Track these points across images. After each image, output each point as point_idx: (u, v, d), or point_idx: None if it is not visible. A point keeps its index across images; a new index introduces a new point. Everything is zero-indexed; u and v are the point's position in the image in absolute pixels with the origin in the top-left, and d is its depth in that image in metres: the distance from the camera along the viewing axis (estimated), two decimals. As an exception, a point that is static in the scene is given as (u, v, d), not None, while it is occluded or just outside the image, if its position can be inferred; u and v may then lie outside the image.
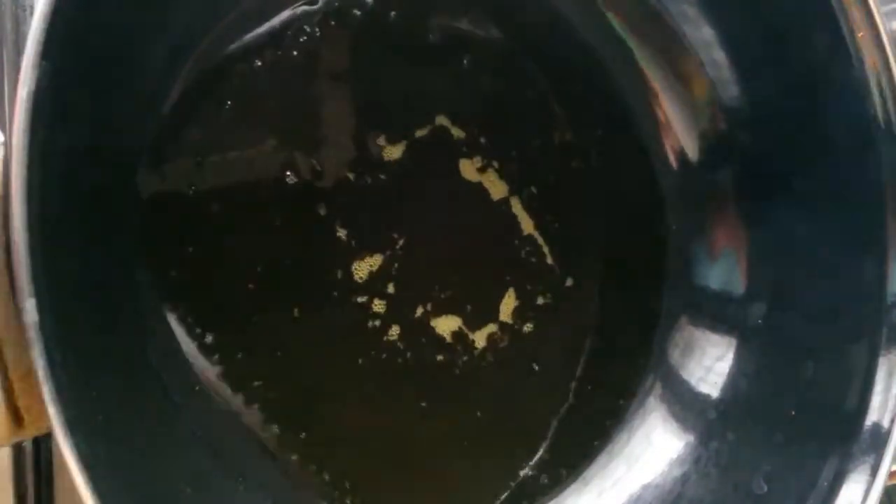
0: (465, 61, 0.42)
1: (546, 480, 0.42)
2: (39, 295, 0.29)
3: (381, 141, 0.41)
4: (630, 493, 0.40)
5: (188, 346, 0.38)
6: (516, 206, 0.42)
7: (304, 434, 0.39)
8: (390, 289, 0.41)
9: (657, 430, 0.40)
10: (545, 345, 0.43)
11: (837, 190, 0.36)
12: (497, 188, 0.42)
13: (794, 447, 0.35)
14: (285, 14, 0.40)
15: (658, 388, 0.43)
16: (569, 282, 0.44)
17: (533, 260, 0.43)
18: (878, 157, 0.34)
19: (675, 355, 0.43)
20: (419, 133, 0.42)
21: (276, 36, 0.40)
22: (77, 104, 0.32)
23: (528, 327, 0.43)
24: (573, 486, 0.41)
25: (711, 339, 0.42)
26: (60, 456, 0.30)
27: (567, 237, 0.43)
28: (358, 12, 0.41)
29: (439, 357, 0.41)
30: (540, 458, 0.42)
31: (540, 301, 0.43)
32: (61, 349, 0.30)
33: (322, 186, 0.40)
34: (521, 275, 0.43)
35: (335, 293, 0.40)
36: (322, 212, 0.40)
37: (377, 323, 0.41)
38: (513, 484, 0.41)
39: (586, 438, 0.43)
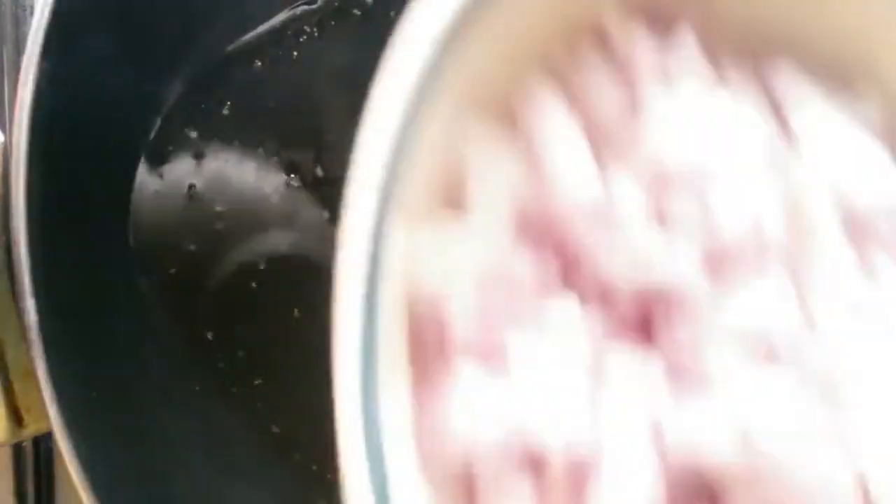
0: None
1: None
2: (39, 295, 0.30)
3: (381, 141, 0.41)
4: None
5: (188, 345, 0.38)
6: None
7: (305, 433, 0.39)
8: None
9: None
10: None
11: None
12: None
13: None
14: (285, 14, 0.40)
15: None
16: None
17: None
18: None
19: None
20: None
21: (276, 36, 0.40)
22: (77, 104, 0.32)
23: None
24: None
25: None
26: (60, 456, 0.30)
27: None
28: (358, 12, 0.41)
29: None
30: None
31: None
32: (61, 349, 0.30)
33: (322, 186, 0.40)
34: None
35: (336, 292, 0.40)
36: (322, 212, 0.40)
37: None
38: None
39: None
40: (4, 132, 0.31)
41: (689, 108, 0.23)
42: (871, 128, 0.26)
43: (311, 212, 0.40)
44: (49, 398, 0.30)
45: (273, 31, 0.40)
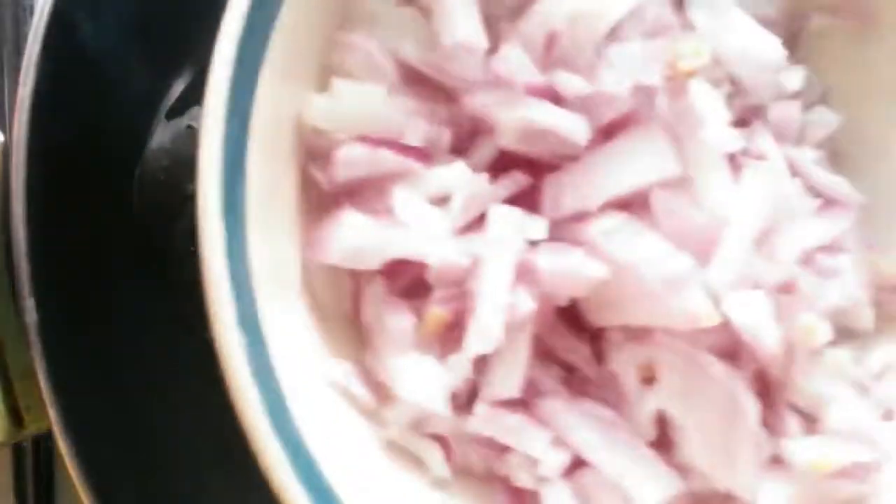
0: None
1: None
2: (39, 295, 0.30)
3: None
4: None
5: (189, 344, 0.38)
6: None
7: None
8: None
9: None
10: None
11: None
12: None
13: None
14: (285, 14, 0.40)
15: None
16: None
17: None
18: None
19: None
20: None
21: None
22: (77, 104, 0.32)
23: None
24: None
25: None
26: (60, 456, 0.30)
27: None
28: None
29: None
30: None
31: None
32: (61, 349, 0.30)
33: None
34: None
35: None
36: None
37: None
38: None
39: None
40: (4, 132, 0.31)
41: None
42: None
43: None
44: (49, 398, 0.30)
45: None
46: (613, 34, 0.27)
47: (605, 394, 0.28)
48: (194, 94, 0.39)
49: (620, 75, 0.26)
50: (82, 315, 0.32)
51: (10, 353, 0.31)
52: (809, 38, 0.32)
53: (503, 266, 0.26)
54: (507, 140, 0.27)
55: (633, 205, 0.27)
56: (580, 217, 0.27)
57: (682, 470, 0.28)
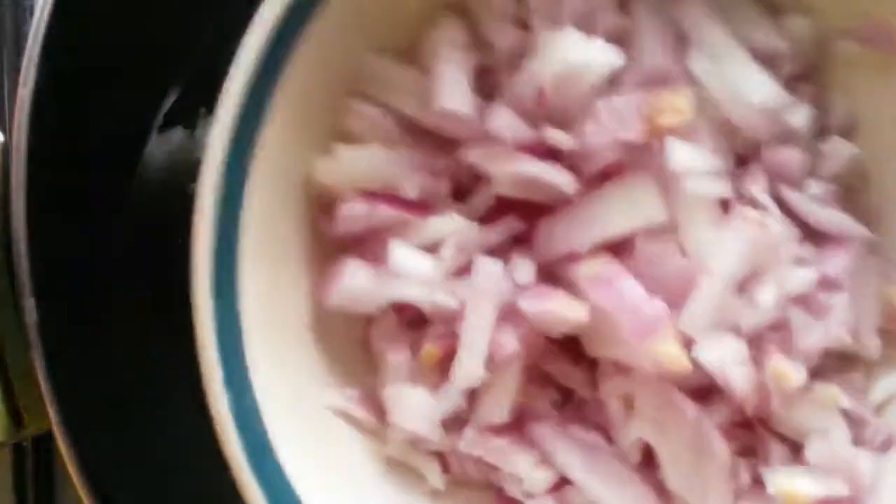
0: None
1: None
2: (39, 295, 0.30)
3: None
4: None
5: (189, 344, 0.38)
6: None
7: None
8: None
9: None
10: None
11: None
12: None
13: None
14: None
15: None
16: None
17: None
18: None
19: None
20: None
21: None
22: (77, 104, 0.32)
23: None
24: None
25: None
26: (60, 456, 0.30)
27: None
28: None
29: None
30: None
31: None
32: (61, 349, 0.30)
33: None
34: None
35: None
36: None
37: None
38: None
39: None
40: (4, 132, 0.31)
41: (572, 50, 0.28)
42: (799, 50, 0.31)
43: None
44: (49, 398, 0.30)
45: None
46: (611, 83, 0.29)
47: (598, 417, 0.30)
48: (194, 95, 0.39)
49: (604, 129, 0.28)
50: (82, 315, 0.32)
51: (10, 353, 0.31)
52: (836, 67, 0.32)
53: (484, 312, 0.28)
54: (502, 189, 0.29)
55: (620, 248, 0.29)
56: (568, 259, 0.29)
57: (665, 492, 0.30)
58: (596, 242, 0.28)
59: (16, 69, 0.34)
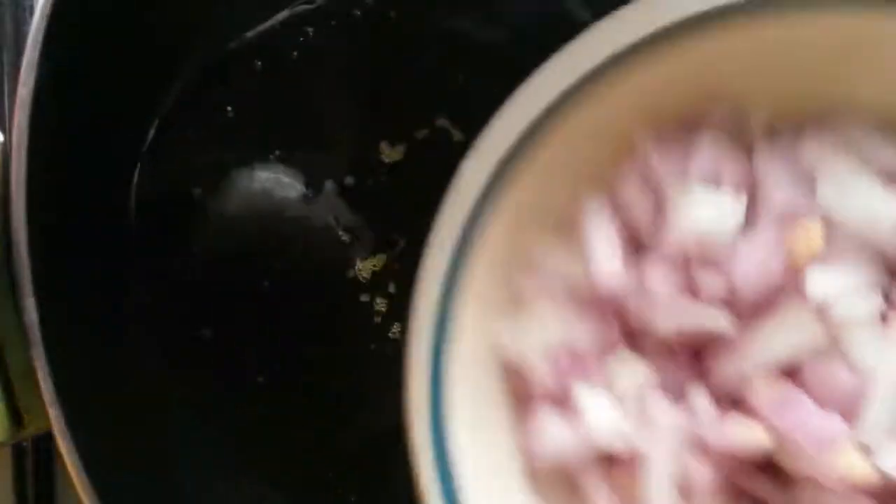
0: (465, 61, 0.42)
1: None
2: (39, 295, 0.30)
3: (382, 143, 0.41)
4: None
5: (190, 344, 0.38)
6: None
7: (307, 429, 0.39)
8: (391, 288, 0.41)
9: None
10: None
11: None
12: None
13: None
14: (285, 14, 0.40)
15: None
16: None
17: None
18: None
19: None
20: (419, 135, 0.41)
21: (276, 35, 0.40)
22: (77, 104, 0.32)
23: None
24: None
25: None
26: (60, 456, 0.30)
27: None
28: (358, 12, 0.41)
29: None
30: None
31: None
32: (61, 349, 0.30)
33: (322, 188, 0.40)
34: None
35: (340, 292, 0.40)
36: (323, 212, 0.40)
37: (379, 320, 0.41)
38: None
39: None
40: (4, 132, 0.31)
41: (703, 208, 0.30)
42: None
43: (311, 210, 0.40)
44: (49, 398, 0.30)
45: (273, 31, 0.40)
46: (748, 224, 0.30)
47: None
48: (194, 94, 0.39)
49: (749, 269, 0.30)
50: (82, 315, 0.32)
51: (10, 353, 0.31)
52: None
53: (668, 450, 0.30)
54: (666, 334, 0.31)
55: (789, 369, 0.30)
56: (741, 386, 0.30)
57: None
58: (765, 369, 0.30)
59: (16, 69, 0.34)
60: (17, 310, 0.30)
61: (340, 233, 0.40)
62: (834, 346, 0.30)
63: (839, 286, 0.30)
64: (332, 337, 0.40)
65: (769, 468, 0.31)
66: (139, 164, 0.37)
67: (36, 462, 0.40)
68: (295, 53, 0.40)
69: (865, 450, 0.29)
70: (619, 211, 0.33)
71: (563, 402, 0.32)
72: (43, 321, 0.30)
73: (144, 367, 0.36)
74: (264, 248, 0.39)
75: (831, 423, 0.29)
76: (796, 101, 0.32)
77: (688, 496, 0.30)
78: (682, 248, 0.31)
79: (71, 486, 0.30)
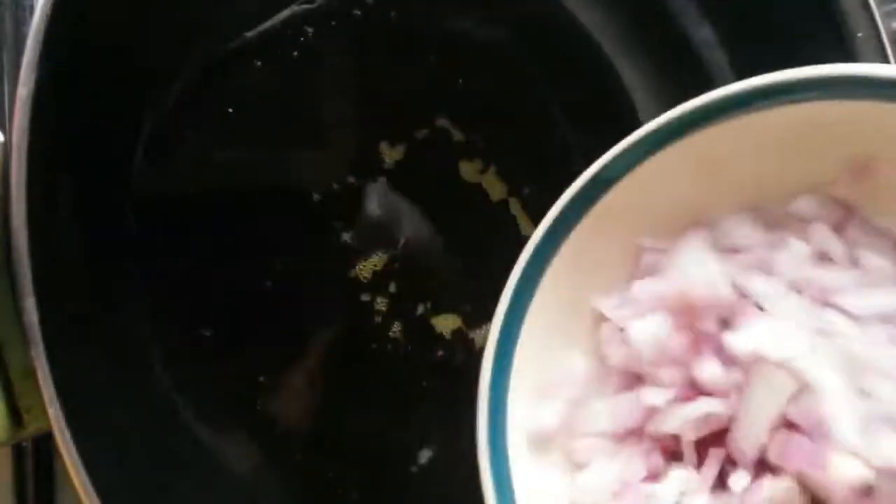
0: (465, 61, 0.42)
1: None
2: (39, 295, 0.30)
3: (382, 143, 0.41)
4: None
5: (190, 344, 0.38)
6: (515, 207, 0.42)
7: (308, 429, 0.39)
8: (392, 288, 0.41)
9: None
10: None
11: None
12: (496, 189, 0.43)
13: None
14: (285, 13, 0.40)
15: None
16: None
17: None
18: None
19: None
20: (419, 135, 0.42)
21: (276, 35, 0.40)
22: (76, 104, 0.32)
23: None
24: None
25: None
26: (60, 456, 0.30)
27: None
28: (358, 12, 0.41)
29: (440, 353, 0.41)
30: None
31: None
32: (61, 349, 0.30)
33: (322, 187, 0.40)
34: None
35: (341, 292, 0.40)
36: (324, 212, 0.40)
37: (380, 319, 0.41)
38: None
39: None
40: (4, 132, 0.31)
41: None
42: None
43: (311, 210, 0.40)
44: (49, 398, 0.30)
45: (273, 31, 0.40)
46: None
47: None
48: (194, 94, 0.39)
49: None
50: (82, 315, 0.32)
51: (10, 353, 0.31)
52: None
53: None
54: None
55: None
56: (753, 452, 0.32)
57: None
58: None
59: (16, 69, 0.34)
60: (17, 310, 0.30)
61: (341, 233, 0.40)
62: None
63: (759, 338, 0.31)
64: (333, 336, 0.40)
65: None
66: (139, 165, 0.37)
67: (36, 462, 0.40)
68: (295, 53, 0.40)
69: (853, 453, 0.30)
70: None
71: None
72: (43, 321, 0.29)
73: (144, 367, 0.36)
74: (265, 247, 0.39)
75: (817, 446, 0.30)
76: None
77: None
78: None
79: (71, 486, 0.30)
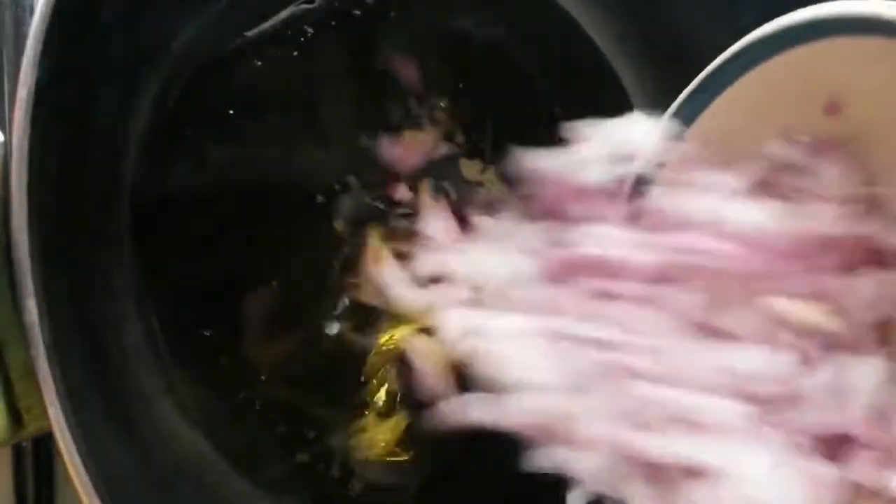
0: (465, 61, 0.43)
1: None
2: (39, 295, 0.30)
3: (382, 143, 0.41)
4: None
5: (190, 344, 0.38)
6: (516, 207, 0.43)
7: (308, 429, 0.40)
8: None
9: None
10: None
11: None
12: (496, 189, 0.43)
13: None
14: (285, 13, 0.40)
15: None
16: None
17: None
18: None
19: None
20: (419, 134, 0.42)
21: (276, 35, 0.40)
22: (76, 104, 0.32)
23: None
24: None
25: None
26: (60, 456, 0.30)
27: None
28: (358, 12, 0.41)
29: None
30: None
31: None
32: (61, 349, 0.30)
33: (322, 187, 0.40)
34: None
35: (342, 292, 0.40)
36: (324, 211, 0.40)
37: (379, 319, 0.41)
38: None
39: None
40: (4, 132, 0.31)
41: None
42: None
43: (311, 210, 0.40)
44: (49, 398, 0.30)
45: (273, 31, 0.40)
46: None
47: None
48: (194, 93, 0.39)
49: None
50: (82, 315, 0.32)
51: (10, 353, 0.31)
52: None
53: None
54: None
55: None
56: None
57: None
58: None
59: (16, 69, 0.34)
60: (17, 310, 0.30)
61: (342, 233, 0.40)
62: None
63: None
64: (333, 336, 0.40)
65: None
66: (139, 164, 0.37)
67: (36, 462, 0.40)
68: (295, 53, 0.40)
69: None
70: None
71: None
72: (43, 321, 0.29)
73: (144, 367, 0.36)
74: (266, 247, 0.39)
75: None
76: None
77: None
78: None
79: (71, 486, 0.30)
